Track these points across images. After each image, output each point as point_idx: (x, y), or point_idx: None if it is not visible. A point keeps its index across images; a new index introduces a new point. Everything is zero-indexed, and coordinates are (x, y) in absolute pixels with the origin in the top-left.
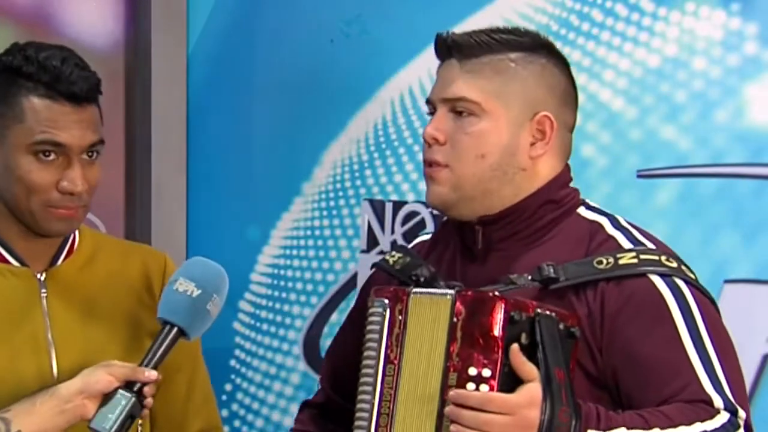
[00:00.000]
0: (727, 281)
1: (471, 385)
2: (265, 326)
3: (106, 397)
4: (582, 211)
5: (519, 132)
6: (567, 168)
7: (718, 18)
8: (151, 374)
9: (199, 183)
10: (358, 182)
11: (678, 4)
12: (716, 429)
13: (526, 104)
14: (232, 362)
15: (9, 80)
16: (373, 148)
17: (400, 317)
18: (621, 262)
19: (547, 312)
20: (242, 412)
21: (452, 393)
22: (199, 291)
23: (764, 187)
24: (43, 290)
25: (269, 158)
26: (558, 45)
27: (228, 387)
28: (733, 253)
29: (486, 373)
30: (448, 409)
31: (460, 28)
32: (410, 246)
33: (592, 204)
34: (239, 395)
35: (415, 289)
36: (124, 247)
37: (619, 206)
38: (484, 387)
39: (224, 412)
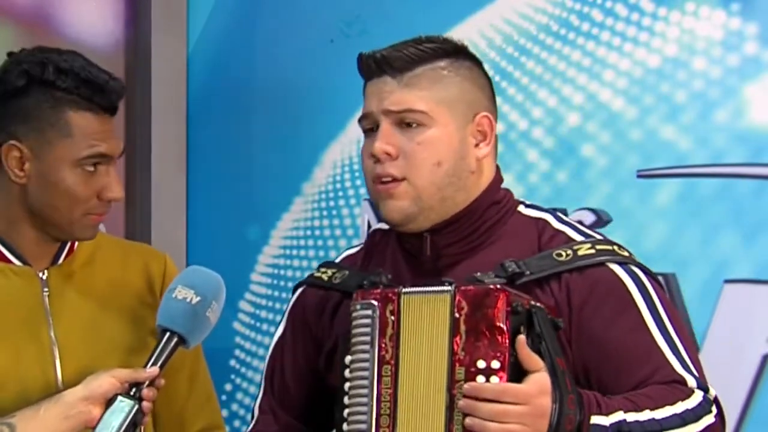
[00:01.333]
0: (727, 281)
1: (481, 378)
2: (265, 326)
3: (110, 406)
4: (523, 209)
5: (465, 135)
6: (498, 168)
7: (718, 18)
8: (152, 370)
9: (199, 183)
10: (358, 182)
11: (678, 4)
12: (696, 407)
13: (466, 107)
14: (232, 362)
15: (42, 93)
16: None
17: (392, 317)
18: (579, 253)
19: (538, 304)
20: (242, 412)
21: (466, 386)
22: (199, 298)
23: (764, 187)
24: (45, 289)
25: (269, 158)
26: (558, 45)
27: (228, 387)
28: (733, 253)
29: (495, 365)
30: (463, 402)
31: (461, 28)
32: (337, 261)
33: (529, 202)
34: (239, 395)
35: (405, 289)
36: (124, 246)
37: (619, 206)
38: (494, 379)
39: (224, 412)
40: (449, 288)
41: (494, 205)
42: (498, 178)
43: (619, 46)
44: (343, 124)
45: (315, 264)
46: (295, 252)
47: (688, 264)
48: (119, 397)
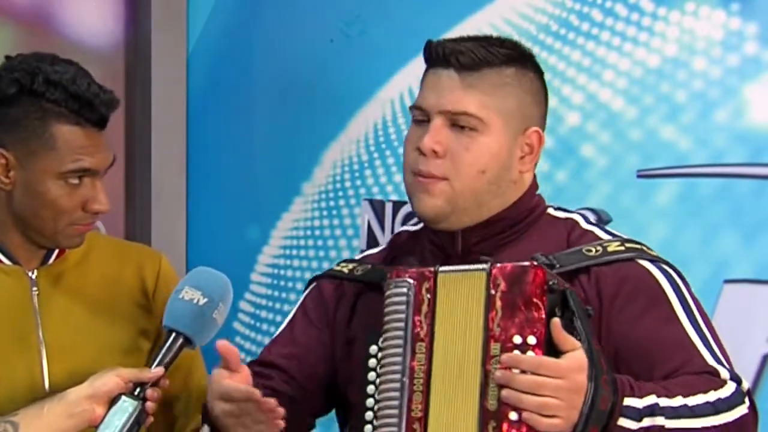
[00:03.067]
0: (727, 281)
1: (516, 353)
2: (265, 326)
3: (113, 405)
4: (552, 211)
5: (513, 147)
6: (534, 174)
7: (718, 18)
8: (157, 371)
9: (199, 183)
10: (358, 182)
11: (678, 4)
12: (729, 397)
13: (521, 119)
14: None
15: (31, 104)
16: (373, 148)
17: (428, 296)
18: (609, 249)
19: (570, 287)
20: None
21: (504, 356)
22: (206, 299)
23: (764, 187)
24: (35, 288)
25: (269, 158)
26: (558, 45)
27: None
28: (733, 253)
29: (531, 340)
30: (499, 373)
31: (461, 28)
32: (358, 257)
33: (557, 206)
34: None
35: (442, 268)
36: (119, 246)
37: (619, 206)
38: (530, 353)
39: None
40: (485, 266)
41: (528, 211)
42: (534, 185)
43: (619, 46)
44: (343, 124)
45: (315, 264)
46: (295, 252)
47: (688, 264)
48: (123, 397)
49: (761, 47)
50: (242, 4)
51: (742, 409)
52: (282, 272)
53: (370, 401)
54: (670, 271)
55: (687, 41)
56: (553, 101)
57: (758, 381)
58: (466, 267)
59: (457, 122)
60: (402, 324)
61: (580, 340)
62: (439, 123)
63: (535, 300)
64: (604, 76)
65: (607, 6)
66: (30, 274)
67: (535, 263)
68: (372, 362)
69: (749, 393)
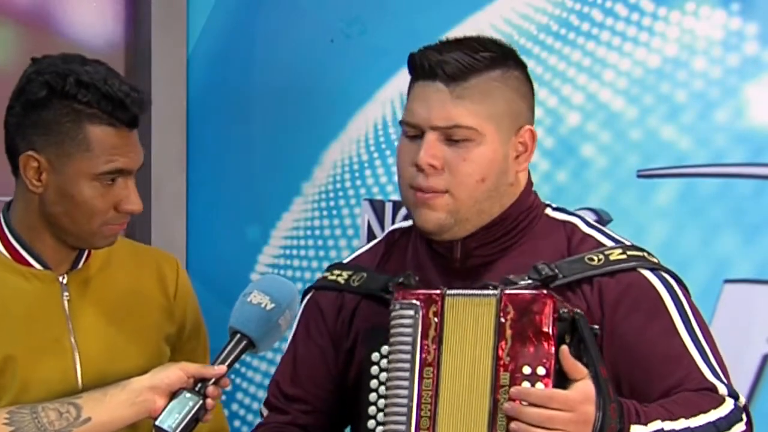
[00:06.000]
0: (727, 281)
1: (526, 384)
2: None
3: (174, 398)
4: (550, 212)
5: (508, 149)
6: (528, 171)
7: (718, 18)
8: (220, 368)
9: (199, 183)
10: (358, 182)
11: (678, 4)
12: (728, 414)
13: (512, 120)
14: None
15: (63, 106)
16: (373, 148)
17: (435, 319)
18: (611, 258)
19: (580, 311)
20: (242, 412)
21: (513, 389)
22: (273, 305)
23: (764, 187)
24: (66, 293)
25: (269, 158)
26: (558, 45)
27: (228, 388)
28: (733, 253)
29: (540, 371)
30: (508, 405)
31: (461, 28)
32: (349, 260)
33: (555, 205)
34: (239, 395)
35: (449, 291)
36: (136, 248)
37: (619, 206)
38: (539, 385)
39: (224, 412)
40: (495, 292)
41: (524, 211)
42: (529, 183)
43: (619, 46)
44: (343, 124)
45: (315, 264)
46: (295, 252)
47: (688, 264)
48: (184, 392)
49: (761, 47)
50: (242, 4)
51: (740, 426)
52: (282, 272)
53: (371, 423)
54: (671, 280)
55: (687, 41)
56: (553, 101)
57: (758, 381)
58: (475, 291)
59: (450, 136)
60: (409, 347)
61: (587, 367)
62: (432, 137)
63: (545, 330)
64: (604, 76)
65: (607, 6)
66: (61, 279)
67: (545, 291)
68: (374, 383)
69: (746, 408)
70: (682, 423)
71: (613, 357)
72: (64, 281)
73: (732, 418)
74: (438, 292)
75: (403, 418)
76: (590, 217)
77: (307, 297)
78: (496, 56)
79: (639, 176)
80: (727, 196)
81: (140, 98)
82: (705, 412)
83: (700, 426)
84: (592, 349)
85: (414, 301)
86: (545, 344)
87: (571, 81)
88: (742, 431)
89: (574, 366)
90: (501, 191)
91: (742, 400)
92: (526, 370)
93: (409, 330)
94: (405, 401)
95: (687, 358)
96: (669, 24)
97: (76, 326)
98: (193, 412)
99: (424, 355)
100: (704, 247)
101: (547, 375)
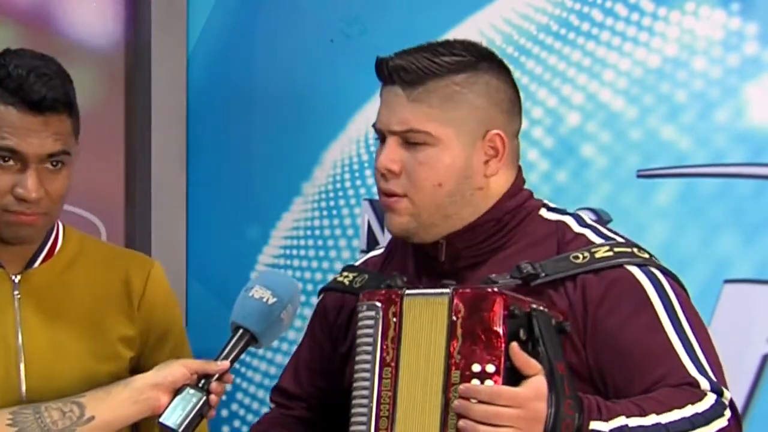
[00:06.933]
0: (727, 281)
1: (476, 382)
2: None
3: (177, 395)
4: (544, 213)
5: (472, 154)
6: (519, 171)
7: (718, 18)
8: (223, 364)
9: (199, 183)
10: (358, 182)
11: (678, 4)
12: (707, 410)
13: (476, 125)
14: None
15: None
16: (373, 148)
17: (394, 319)
18: (597, 255)
19: (541, 307)
20: (242, 412)
21: (461, 387)
22: (275, 299)
23: (764, 187)
24: (17, 292)
25: (269, 158)
26: (558, 45)
27: (228, 387)
28: (733, 253)
29: (490, 368)
30: (457, 402)
31: (461, 28)
32: (359, 263)
33: (552, 205)
34: (239, 395)
35: (408, 291)
36: (111, 252)
37: (619, 206)
38: (488, 383)
39: (224, 412)
40: (448, 291)
41: (507, 214)
42: (517, 184)
43: (619, 46)
44: (343, 124)
45: (315, 264)
46: (295, 252)
47: (688, 264)
48: (187, 388)
49: (761, 47)
50: (242, 4)
51: (721, 422)
52: (282, 272)
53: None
54: (659, 275)
55: (687, 41)
56: (553, 101)
57: (758, 381)
58: (431, 291)
59: (408, 139)
60: (370, 348)
61: (542, 364)
62: (392, 142)
63: (494, 328)
64: (604, 76)
65: (607, 6)
66: (13, 277)
67: (495, 289)
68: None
69: (732, 403)
70: (651, 419)
71: (596, 355)
72: (17, 280)
73: (711, 414)
74: (398, 292)
75: (365, 419)
76: (589, 217)
77: (320, 297)
78: (463, 60)
79: (639, 176)
80: (727, 196)
81: (53, 87)
82: (680, 407)
83: (672, 422)
84: (549, 345)
85: (376, 302)
86: (495, 341)
87: (571, 81)
88: (722, 427)
89: (526, 362)
90: (467, 196)
91: (727, 395)
92: (476, 367)
93: (370, 331)
94: (366, 401)
95: (670, 353)
96: (669, 24)
97: (25, 325)
98: (197, 408)
99: (383, 355)
100: (704, 247)
101: (497, 372)
